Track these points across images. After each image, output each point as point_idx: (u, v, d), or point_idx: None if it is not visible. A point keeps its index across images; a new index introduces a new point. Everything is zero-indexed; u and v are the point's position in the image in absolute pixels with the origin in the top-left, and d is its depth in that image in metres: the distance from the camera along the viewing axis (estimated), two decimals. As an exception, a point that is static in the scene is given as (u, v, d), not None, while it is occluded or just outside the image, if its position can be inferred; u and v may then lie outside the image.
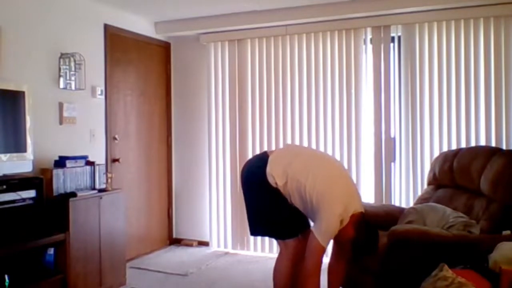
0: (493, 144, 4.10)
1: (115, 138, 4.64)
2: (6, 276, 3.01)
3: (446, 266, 2.39)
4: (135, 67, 4.95)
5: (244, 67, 5.05)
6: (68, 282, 3.43)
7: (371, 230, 2.69)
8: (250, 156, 4.96)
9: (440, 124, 4.34)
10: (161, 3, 4.48)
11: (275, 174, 2.71)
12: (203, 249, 5.20)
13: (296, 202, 2.71)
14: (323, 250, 2.60)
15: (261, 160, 2.83)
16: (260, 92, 4.98)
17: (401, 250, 2.79)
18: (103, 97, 4.46)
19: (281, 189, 2.71)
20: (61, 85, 3.92)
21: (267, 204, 2.80)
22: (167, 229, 5.40)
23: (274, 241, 4.18)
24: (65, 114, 3.99)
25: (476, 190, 3.27)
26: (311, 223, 2.78)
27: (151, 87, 5.17)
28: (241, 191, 2.98)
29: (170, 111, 5.43)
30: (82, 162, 3.81)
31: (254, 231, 2.93)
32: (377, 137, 4.51)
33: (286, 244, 2.83)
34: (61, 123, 3.98)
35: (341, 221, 2.58)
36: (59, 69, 3.91)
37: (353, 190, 2.76)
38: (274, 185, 2.71)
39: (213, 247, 5.19)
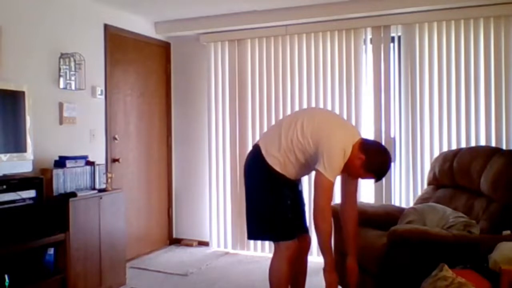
0: (493, 144, 4.10)
1: (115, 138, 4.64)
2: (6, 276, 3.00)
3: (446, 266, 2.38)
4: (135, 67, 4.95)
5: (244, 67, 5.05)
6: (68, 282, 3.43)
7: (378, 146, 2.78)
8: (250, 156, 5.00)
9: (440, 124, 4.34)
10: (161, 3, 4.48)
11: (269, 148, 2.72)
12: (203, 249, 5.20)
13: (299, 160, 2.68)
14: (331, 185, 2.58)
15: (253, 152, 2.84)
16: (260, 92, 4.98)
17: (401, 250, 2.79)
18: (103, 97, 4.46)
19: (282, 159, 2.70)
20: (61, 85, 3.92)
21: (267, 204, 2.77)
22: (167, 229, 5.40)
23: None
24: (65, 114, 3.99)
25: (476, 190, 3.27)
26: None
27: (151, 87, 5.17)
28: (241, 191, 2.98)
29: (170, 111, 5.44)
30: (82, 162, 3.81)
31: (251, 234, 2.90)
32: (377, 137, 4.50)
33: (282, 245, 2.77)
34: (61, 123, 3.98)
35: (344, 154, 2.58)
36: (59, 69, 3.91)
37: (348, 123, 2.84)
38: (275, 162, 2.70)
39: (213, 247, 5.20)
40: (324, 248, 2.66)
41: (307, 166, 2.73)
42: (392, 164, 4.49)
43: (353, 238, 2.86)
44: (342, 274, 2.85)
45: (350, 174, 2.74)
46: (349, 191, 2.87)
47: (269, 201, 2.75)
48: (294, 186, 2.87)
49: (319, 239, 2.65)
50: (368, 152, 2.63)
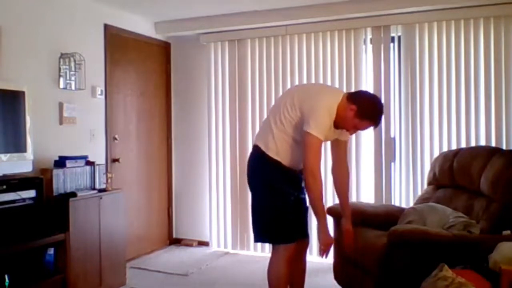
0: (493, 144, 4.10)
1: (115, 138, 4.64)
2: (6, 276, 3.00)
3: (446, 266, 2.39)
4: (135, 67, 4.95)
5: (244, 67, 5.05)
6: (68, 282, 3.43)
7: (365, 92, 2.83)
8: (250, 156, 5.00)
9: (440, 124, 4.34)
10: (161, 3, 4.48)
11: (266, 141, 2.73)
12: (203, 249, 5.20)
13: (295, 139, 2.70)
14: (318, 143, 2.59)
15: (253, 152, 2.85)
16: (260, 92, 4.98)
17: (401, 250, 2.79)
18: (103, 97, 4.46)
19: (279, 144, 2.70)
20: (61, 85, 3.92)
21: (270, 203, 2.75)
22: (167, 229, 5.40)
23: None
24: (65, 114, 3.99)
25: (476, 190, 3.27)
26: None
27: (151, 87, 5.17)
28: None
29: (170, 111, 5.43)
30: (82, 162, 3.81)
31: (255, 236, 2.90)
32: (377, 137, 4.51)
33: (281, 247, 2.77)
34: (61, 123, 3.98)
35: (329, 113, 2.62)
36: (59, 69, 3.91)
37: (333, 87, 3.06)
38: (274, 152, 2.71)
39: (213, 247, 5.20)
40: (316, 208, 2.66)
41: (297, 124, 2.74)
42: (392, 164, 4.51)
43: (346, 200, 2.96)
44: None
45: (348, 129, 2.74)
46: (339, 155, 2.93)
47: (272, 199, 2.74)
48: (297, 183, 2.83)
49: (311, 199, 2.66)
50: (358, 101, 2.66)
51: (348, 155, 4.52)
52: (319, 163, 2.64)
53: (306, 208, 2.92)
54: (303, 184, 2.82)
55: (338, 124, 2.69)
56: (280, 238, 2.76)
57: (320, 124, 2.59)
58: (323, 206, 2.70)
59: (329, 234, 2.72)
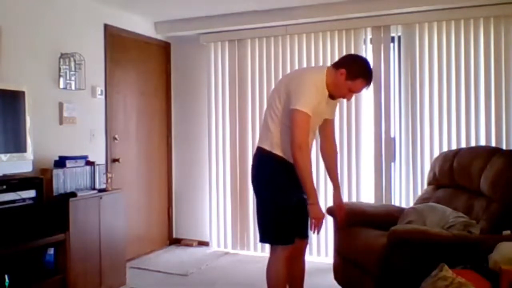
0: (493, 144, 4.10)
1: (115, 138, 4.64)
2: (6, 276, 3.00)
3: (446, 266, 2.39)
4: (135, 67, 4.95)
5: (244, 67, 5.05)
6: (68, 282, 3.43)
7: (348, 55, 2.88)
8: (250, 156, 4.97)
9: (440, 124, 4.34)
10: (161, 3, 4.48)
11: (269, 139, 2.74)
12: (203, 249, 5.20)
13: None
14: (305, 118, 2.59)
15: (256, 154, 2.85)
16: (260, 92, 4.98)
17: (401, 250, 2.79)
18: (103, 97, 4.46)
19: (280, 137, 2.71)
20: (61, 85, 3.92)
21: (272, 203, 2.75)
22: (167, 229, 5.40)
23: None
24: (65, 114, 3.99)
25: (476, 190, 3.27)
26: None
27: (151, 87, 5.17)
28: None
29: (170, 111, 5.44)
30: (82, 162, 3.81)
31: (260, 237, 2.91)
32: (377, 137, 4.51)
33: (279, 247, 2.77)
34: (61, 123, 3.98)
35: (317, 89, 2.64)
36: (59, 69, 3.91)
37: (317, 66, 3.13)
38: (279, 149, 2.73)
39: (213, 247, 5.19)
40: (305, 181, 2.64)
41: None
42: (392, 164, 4.51)
43: (336, 174, 3.04)
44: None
45: (344, 95, 2.78)
46: (326, 133, 2.99)
47: (274, 199, 2.72)
48: (300, 184, 2.83)
49: (299, 173, 2.63)
50: (345, 63, 2.72)
51: (348, 154, 4.61)
52: (307, 138, 2.63)
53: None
54: None
55: (334, 93, 2.74)
56: (278, 239, 2.76)
57: (307, 99, 2.60)
58: (312, 180, 2.67)
59: (320, 208, 2.68)
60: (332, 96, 2.76)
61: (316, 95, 2.65)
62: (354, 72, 2.68)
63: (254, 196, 2.92)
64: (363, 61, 2.80)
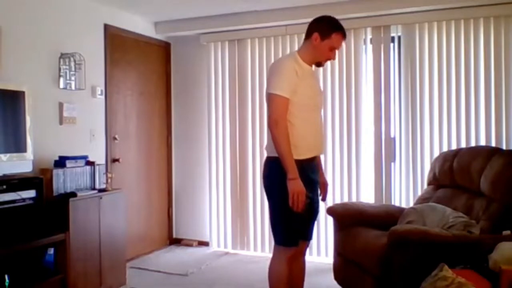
0: (493, 144, 4.10)
1: (115, 138, 4.64)
2: (6, 276, 3.00)
3: (446, 266, 2.39)
4: (135, 67, 4.95)
5: (244, 67, 5.05)
6: (68, 282, 3.43)
7: (312, 21, 2.86)
8: (250, 156, 5.03)
9: (440, 124, 4.34)
10: (161, 3, 4.48)
11: (270, 143, 2.72)
12: (203, 249, 5.20)
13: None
14: (281, 100, 2.59)
15: (265, 163, 2.82)
16: (260, 92, 4.97)
17: (401, 250, 2.79)
18: (103, 97, 4.46)
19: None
20: (61, 85, 3.92)
21: (282, 203, 2.66)
22: (167, 229, 5.40)
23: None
24: (65, 114, 3.99)
25: (476, 190, 3.27)
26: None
27: (151, 87, 5.17)
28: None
29: (170, 111, 5.44)
30: (82, 162, 3.81)
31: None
32: (377, 137, 4.51)
33: (282, 248, 2.76)
34: (61, 123, 3.98)
35: (296, 72, 2.64)
36: (59, 69, 3.91)
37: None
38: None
39: (213, 247, 5.20)
40: (283, 156, 2.58)
41: None
42: (392, 164, 4.51)
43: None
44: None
45: (328, 56, 2.79)
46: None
47: (284, 201, 2.62)
48: (313, 185, 2.80)
49: (277, 148, 2.61)
50: (313, 28, 2.77)
51: (348, 154, 4.61)
52: (284, 117, 2.61)
53: (317, 210, 2.91)
54: (318, 186, 2.86)
55: (318, 58, 2.78)
56: (282, 239, 2.76)
57: (278, 83, 2.62)
58: (290, 155, 2.59)
59: (300, 183, 2.57)
60: (318, 64, 2.82)
61: (291, 76, 2.64)
62: (325, 30, 2.74)
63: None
64: (328, 18, 2.83)
